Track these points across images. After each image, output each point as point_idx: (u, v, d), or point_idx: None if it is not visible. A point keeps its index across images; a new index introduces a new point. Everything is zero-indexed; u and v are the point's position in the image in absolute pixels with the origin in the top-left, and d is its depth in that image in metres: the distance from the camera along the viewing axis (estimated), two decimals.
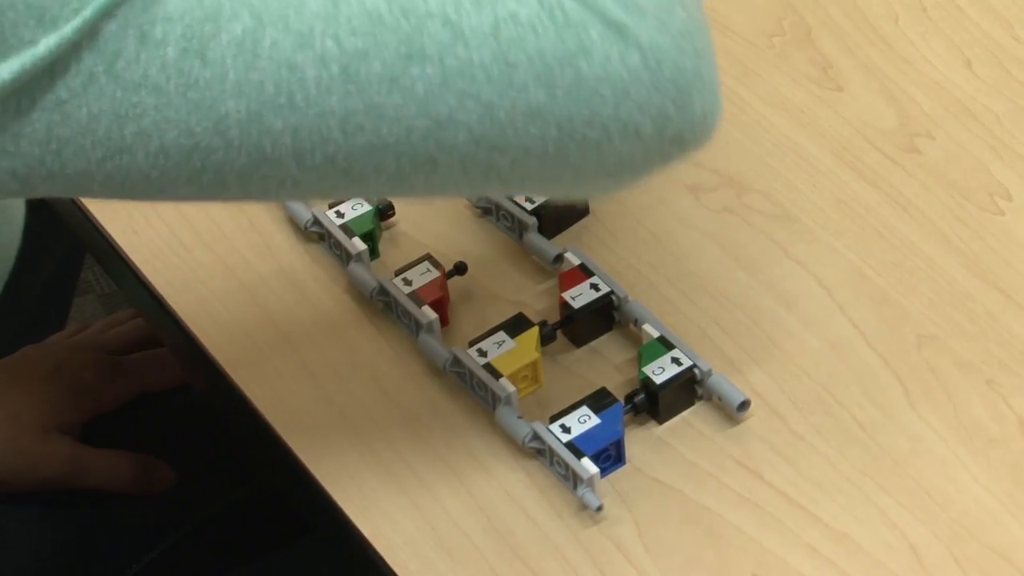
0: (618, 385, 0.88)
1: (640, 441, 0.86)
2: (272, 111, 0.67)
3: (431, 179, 0.71)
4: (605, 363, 0.90)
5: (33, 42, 0.64)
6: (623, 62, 0.69)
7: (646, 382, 0.86)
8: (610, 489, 0.84)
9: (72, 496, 1.09)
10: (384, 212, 0.96)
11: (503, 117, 0.69)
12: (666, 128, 0.70)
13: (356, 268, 0.92)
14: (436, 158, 0.70)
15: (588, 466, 0.83)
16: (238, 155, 0.68)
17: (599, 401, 0.86)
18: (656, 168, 0.73)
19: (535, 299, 0.93)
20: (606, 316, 0.91)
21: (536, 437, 0.85)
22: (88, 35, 0.65)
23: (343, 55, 0.67)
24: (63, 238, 1.21)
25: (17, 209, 0.89)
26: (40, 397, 1.09)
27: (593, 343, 0.91)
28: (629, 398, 0.86)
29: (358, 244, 0.93)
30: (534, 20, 0.68)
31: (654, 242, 0.95)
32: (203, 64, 0.66)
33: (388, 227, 0.96)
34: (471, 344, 0.88)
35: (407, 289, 0.91)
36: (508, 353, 0.88)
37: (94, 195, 0.71)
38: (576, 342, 0.91)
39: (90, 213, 0.99)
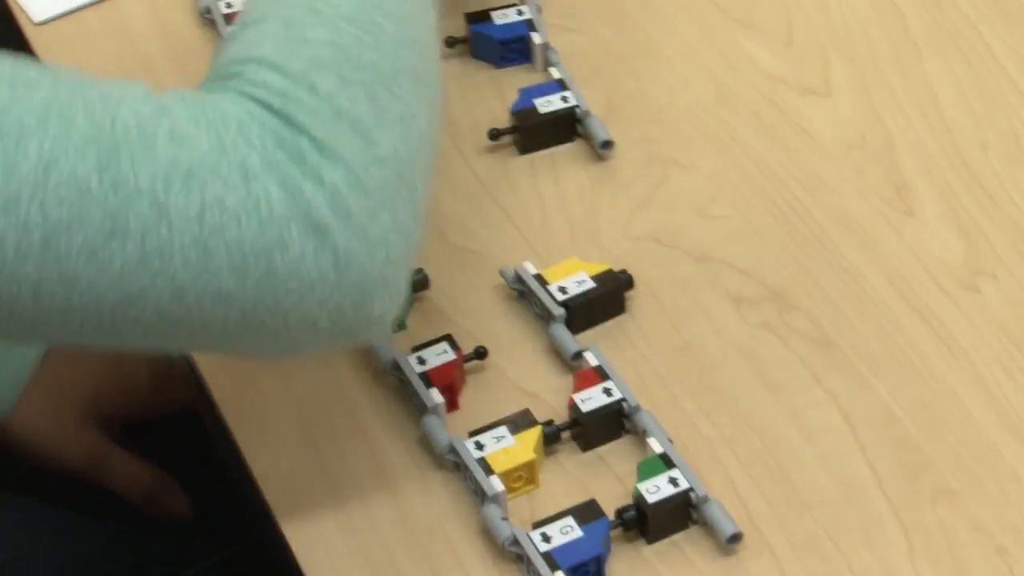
0: (616, 496, 0.86)
1: (625, 559, 0.84)
2: None
3: (111, 339, 0.75)
4: (608, 472, 0.87)
5: None
6: (316, 261, 0.73)
7: (639, 499, 0.84)
8: None
9: (97, 511, 1.09)
10: (417, 284, 0.94)
11: (191, 299, 0.73)
12: (341, 323, 0.75)
13: (375, 339, 0.91)
14: (120, 327, 0.73)
15: None
16: None
17: (586, 513, 0.83)
18: (323, 351, 0.81)
19: (551, 394, 0.91)
20: (616, 423, 0.88)
21: (516, 542, 0.83)
22: None
23: (46, 224, 0.70)
24: None
25: None
26: (89, 382, 1.09)
27: (600, 449, 0.88)
28: (619, 513, 0.84)
29: None
30: (239, 209, 0.72)
31: (685, 350, 0.92)
32: None
33: (420, 299, 0.95)
34: (471, 435, 0.87)
35: (420, 368, 0.89)
36: (505, 451, 0.86)
37: None
38: (583, 446, 0.88)
39: None
